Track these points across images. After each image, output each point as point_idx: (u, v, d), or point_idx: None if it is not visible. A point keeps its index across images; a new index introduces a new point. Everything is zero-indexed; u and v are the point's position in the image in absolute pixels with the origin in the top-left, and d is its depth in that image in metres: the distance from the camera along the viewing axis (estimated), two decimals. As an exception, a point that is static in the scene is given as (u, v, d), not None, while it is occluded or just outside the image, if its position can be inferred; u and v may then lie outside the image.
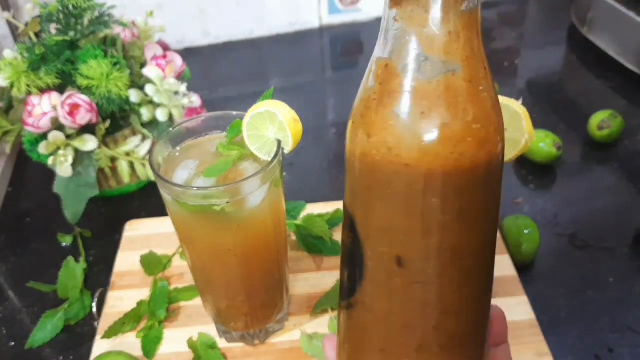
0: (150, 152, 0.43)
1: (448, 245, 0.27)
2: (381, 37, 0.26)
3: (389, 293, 0.29)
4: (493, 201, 0.28)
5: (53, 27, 0.64)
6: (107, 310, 0.56)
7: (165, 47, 0.70)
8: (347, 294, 0.32)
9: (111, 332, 0.53)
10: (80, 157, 0.63)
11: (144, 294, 0.57)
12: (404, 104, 0.26)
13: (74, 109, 0.60)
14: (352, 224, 0.30)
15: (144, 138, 0.66)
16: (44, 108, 0.61)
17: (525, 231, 0.59)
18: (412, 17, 0.25)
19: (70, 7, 0.63)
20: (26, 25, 0.66)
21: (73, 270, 0.60)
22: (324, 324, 0.53)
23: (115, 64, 0.62)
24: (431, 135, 0.25)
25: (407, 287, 0.28)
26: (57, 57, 0.62)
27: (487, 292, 0.30)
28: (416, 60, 0.25)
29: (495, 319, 0.34)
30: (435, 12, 0.24)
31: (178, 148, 0.45)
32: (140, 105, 0.64)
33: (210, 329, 0.54)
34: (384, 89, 0.26)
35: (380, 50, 0.26)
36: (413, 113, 0.25)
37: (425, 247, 0.27)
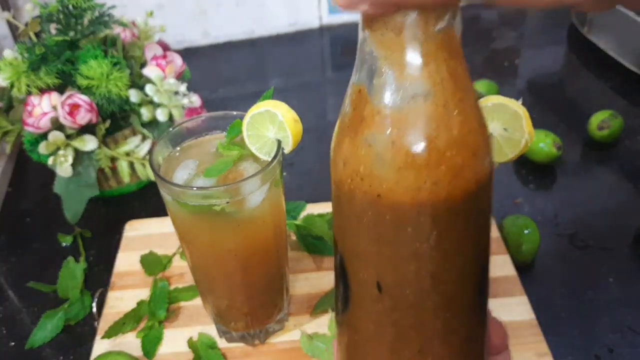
0: (150, 152, 0.44)
1: (427, 273, 0.26)
2: (357, 61, 0.25)
3: (372, 317, 0.29)
4: (478, 226, 0.27)
5: (53, 27, 0.64)
6: (107, 310, 0.56)
7: (165, 47, 0.70)
8: (338, 311, 0.32)
9: (111, 332, 0.53)
10: (80, 157, 0.63)
11: (144, 294, 0.57)
12: (375, 132, 0.24)
13: (74, 109, 0.60)
14: (338, 248, 0.29)
15: (144, 138, 0.66)
16: (44, 108, 0.61)
17: (525, 231, 0.59)
18: (383, 40, 0.23)
19: (70, 7, 0.63)
20: (26, 25, 0.66)
21: (73, 270, 0.60)
22: (324, 324, 0.53)
23: (115, 64, 0.62)
24: (402, 165, 0.24)
25: (388, 312, 0.28)
26: (57, 57, 0.62)
27: (476, 313, 0.29)
28: (387, 86, 0.24)
29: (494, 333, 0.33)
30: (406, 35, 0.23)
31: (178, 148, 0.45)
32: (140, 105, 0.64)
33: (210, 329, 0.54)
34: (356, 116, 0.25)
35: (355, 75, 0.25)
36: (383, 142, 0.24)
37: (403, 275, 0.27)
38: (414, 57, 0.23)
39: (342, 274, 0.30)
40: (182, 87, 0.67)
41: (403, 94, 0.24)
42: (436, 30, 0.23)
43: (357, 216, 0.27)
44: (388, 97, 0.24)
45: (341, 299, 0.31)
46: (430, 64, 0.23)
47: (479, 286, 0.29)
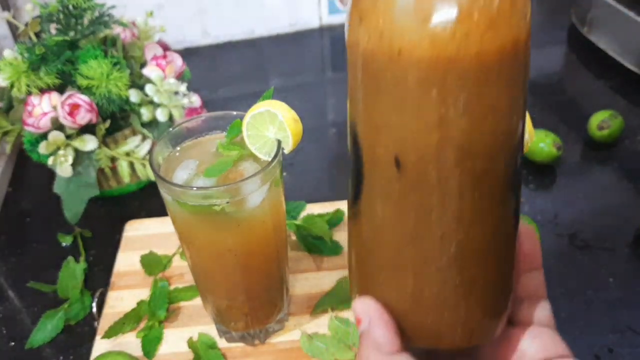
0: (150, 152, 0.44)
1: (452, 144, 0.24)
2: None
3: (388, 200, 0.26)
4: (512, 92, 0.24)
5: (53, 27, 0.64)
6: (107, 310, 0.56)
7: (165, 47, 0.70)
8: (350, 200, 0.29)
9: (111, 332, 0.53)
10: (80, 157, 0.63)
11: (144, 294, 0.57)
12: None
13: (74, 109, 0.60)
14: (352, 125, 0.27)
15: (144, 138, 0.66)
16: (44, 108, 0.61)
17: (525, 231, 0.59)
18: None
19: (70, 7, 0.63)
20: (26, 25, 0.66)
21: (73, 270, 0.60)
22: (324, 324, 0.53)
23: (115, 64, 0.62)
24: (428, 13, 0.22)
25: (408, 192, 0.25)
26: (57, 57, 0.62)
27: (507, 200, 0.26)
28: None
29: (524, 238, 0.30)
30: None
31: (178, 148, 0.45)
32: (140, 105, 0.64)
33: (210, 329, 0.54)
34: None
35: None
36: None
37: (426, 147, 0.24)
38: None
39: (355, 154, 0.27)
40: (182, 87, 0.67)
41: None
42: None
43: (375, 80, 0.24)
44: None
45: (353, 185, 0.28)
46: None
47: (511, 167, 0.26)
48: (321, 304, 0.55)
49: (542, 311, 0.30)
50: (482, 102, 0.23)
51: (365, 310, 0.28)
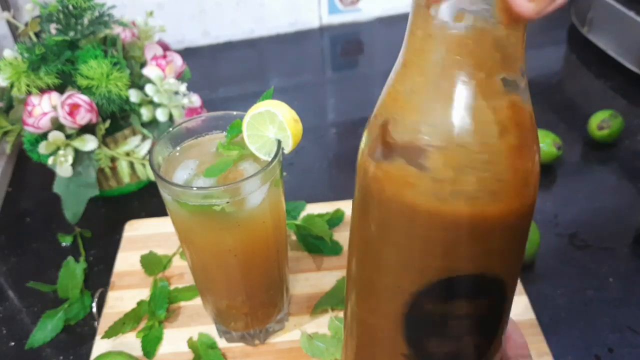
0: (150, 152, 0.44)
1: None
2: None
3: None
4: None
5: (53, 27, 0.64)
6: (107, 310, 0.56)
7: (165, 47, 0.70)
8: None
9: (111, 332, 0.53)
10: (80, 157, 0.63)
11: (144, 294, 0.57)
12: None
13: (74, 109, 0.60)
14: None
15: (144, 138, 0.66)
16: (44, 108, 0.61)
17: (525, 231, 0.59)
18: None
19: (70, 7, 0.63)
20: (26, 25, 0.66)
21: (73, 270, 0.60)
22: (324, 324, 0.53)
23: (115, 64, 0.62)
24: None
25: None
26: (57, 57, 0.62)
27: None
28: None
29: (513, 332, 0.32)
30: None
31: (178, 148, 0.45)
32: (140, 105, 0.64)
33: (210, 329, 0.54)
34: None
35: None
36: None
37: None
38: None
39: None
40: (182, 87, 0.67)
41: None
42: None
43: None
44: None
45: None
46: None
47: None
48: (321, 304, 0.55)
49: None
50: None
51: None
